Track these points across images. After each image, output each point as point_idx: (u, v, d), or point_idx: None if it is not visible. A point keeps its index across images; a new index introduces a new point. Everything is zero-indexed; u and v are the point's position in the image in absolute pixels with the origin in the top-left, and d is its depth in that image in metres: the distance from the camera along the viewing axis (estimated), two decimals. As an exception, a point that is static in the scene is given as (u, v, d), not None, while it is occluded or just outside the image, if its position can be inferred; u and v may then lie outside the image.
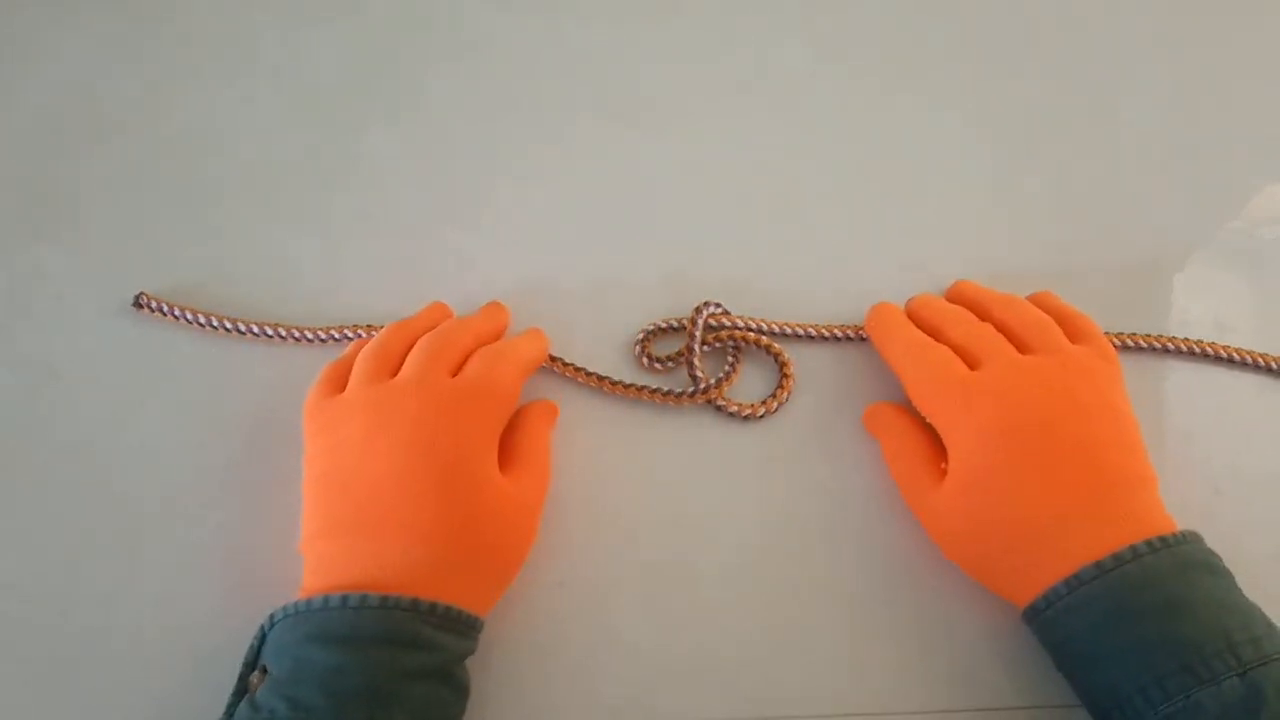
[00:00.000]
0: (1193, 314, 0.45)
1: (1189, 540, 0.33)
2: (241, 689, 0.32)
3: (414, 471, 0.34)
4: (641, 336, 0.43)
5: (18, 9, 0.53)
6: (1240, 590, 0.33)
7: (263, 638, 0.33)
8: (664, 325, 0.43)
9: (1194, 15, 0.55)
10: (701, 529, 0.40)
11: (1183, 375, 0.43)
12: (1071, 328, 0.39)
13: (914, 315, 0.41)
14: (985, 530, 0.35)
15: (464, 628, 0.34)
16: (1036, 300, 0.42)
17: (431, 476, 0.34)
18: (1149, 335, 0.43)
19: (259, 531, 0.39)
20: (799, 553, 0.39)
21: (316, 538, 0.35)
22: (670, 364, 0.43)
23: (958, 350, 0.38)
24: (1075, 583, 0.32)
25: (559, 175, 0.49)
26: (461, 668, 0.34)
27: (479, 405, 0.36)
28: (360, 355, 0.39)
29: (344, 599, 0.32)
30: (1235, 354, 0.43)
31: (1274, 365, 0.43)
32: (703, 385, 0.41)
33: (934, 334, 0.39)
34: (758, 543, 0.39)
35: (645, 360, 0.42)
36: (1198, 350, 0.43)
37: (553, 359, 0.42)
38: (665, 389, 0.41)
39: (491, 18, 0.53)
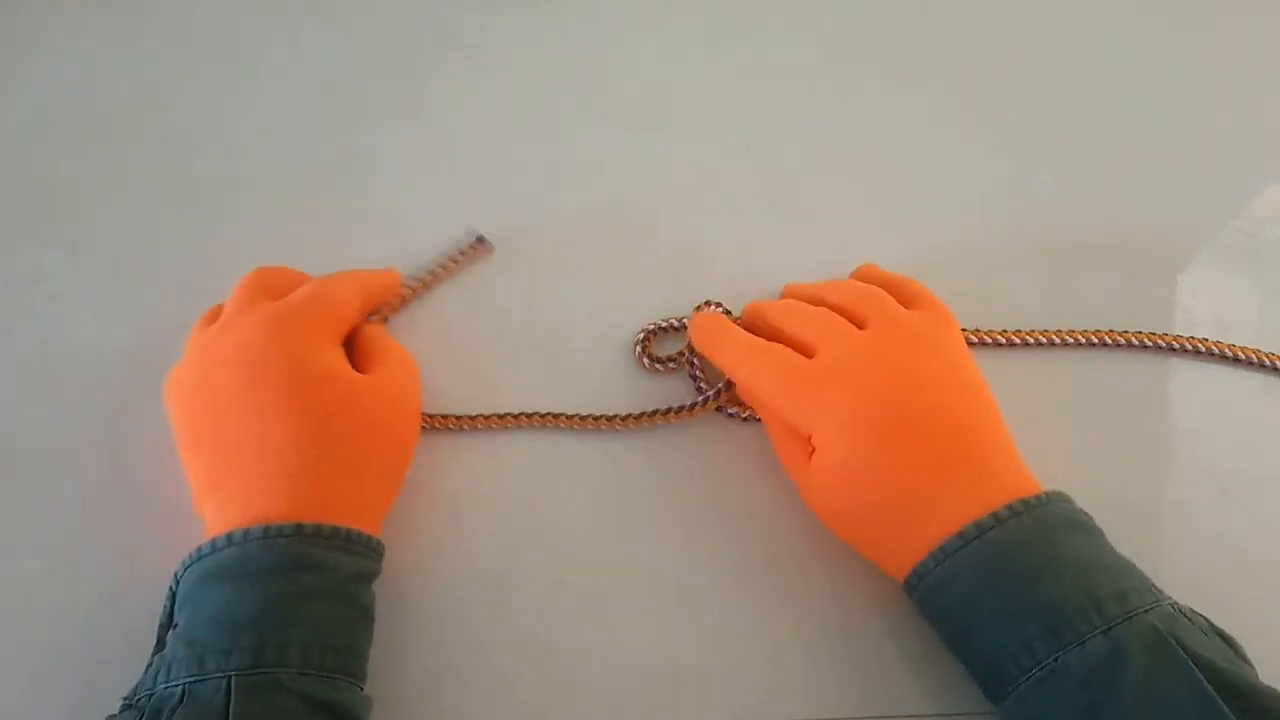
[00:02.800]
0: (1196, 313, 0.45)
1: (1053, 500, 0.33)
2: (159, 648, 0.32)
3: (254, 393, 0.34)
4: (642, 336, 0.43)
5: (18, 9, 0.53)
6: (1110, 546, 0.33)
7: (172, 595, 0.33)
8: (664, 325, 0.43)
9: (1196, 14, 0.55)
10: (703, 529, 0.40)
11: (1186, 374, 0.43)
12: (901, 295, 0.39)
13: (749, 326, 0.40)
14: (854, 510, 0.35)
15: (355, 546, 0.33)
16: (860, 274, 0.42)
17: (272, 390, 0.34)
18: (1152, 334, 0.43)
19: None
20: (802, 552, 0.39)
21: (200, 496, 0.35)
22: (671, 364, 0.42)
23: (794, 344, 0.37)
24: (941, 555, 0.32)
25: (559, 175, 0.49)
26: (362, 588, 0.34)
27: (308, 316, 0.36)
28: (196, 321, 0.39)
29: (229, 537, 0.32)
30: (1239, 353, 0.43)
31: (1278, 364, 0.43)
32: (709, 394, 0.41)
33: (771, 336, 0.39)
34: (760, 542, 0.39)
35: (646, 360, 0.42)
36: (1201, 349, 0.43)
37: (558, 416, 0.41)
38: (674, 407, 0.41)
39: (492, 18, 0.53)
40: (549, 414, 0.41)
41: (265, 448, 0.34)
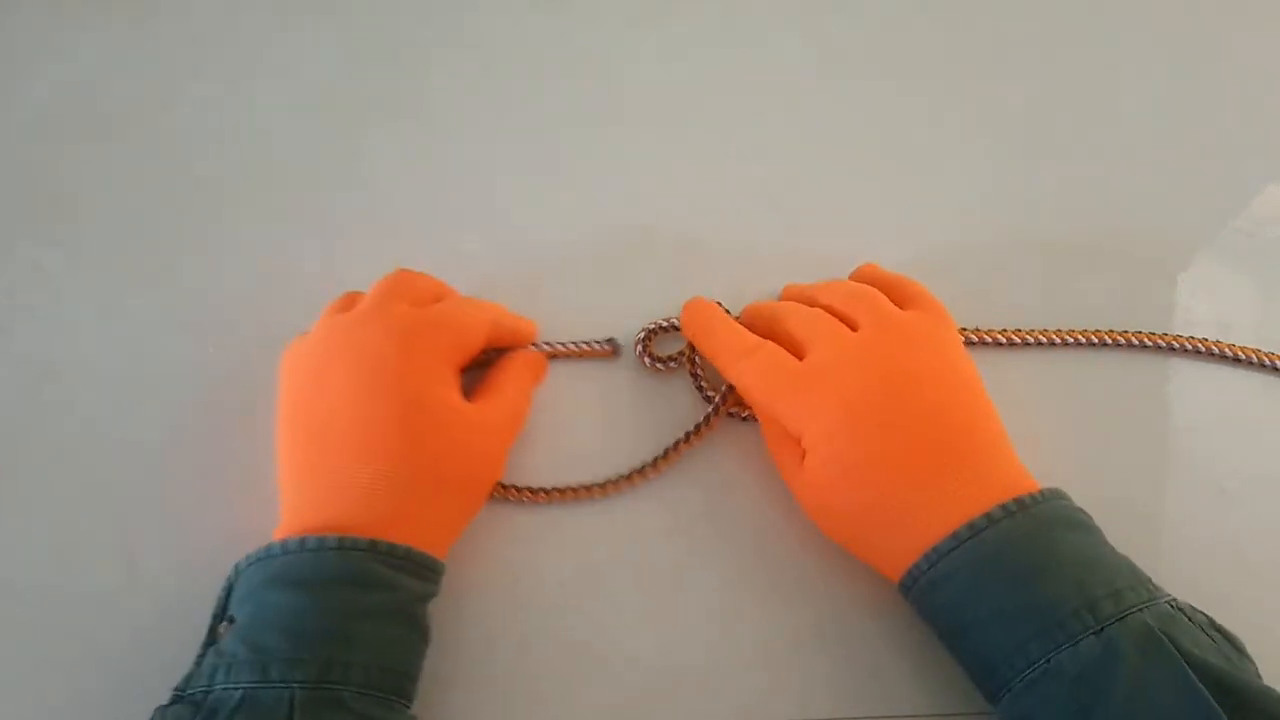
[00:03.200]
0: (1196, 313, 0.45)
1: (1049, 498, 0.33)
2: (211, 640, 0.32)
3: (366, 397, 0.34)
4: (643, 335, 0.43)
5: (18, 9, 0.53)
6: (1107, 544, 0.32)
7: (229, 588, 0.33)
8: (664, 324, 0.43)
9: (1196, 15, 0.55)
10: (702, 530, 0.40)
11: (1186, 374, 0.43)
12: (898, 294, 0.39)
13: (747, 327, 0.40)
14: (846, 511, 0.35)
15: (422, 569, 0.33)
16: (860, 274, 0.42)
17: (382, 401, 0.34)
18: (1153, 334, 0.43)
19: (259, 529, 0.39)
20: (801, 553, 0.39)
21: (284, 477, 0.35)
22: (672, 364, 0.42)
23: (788, 345, 0.37)
24: (935, 556, 0.32)
25: (559, 175, 0.49)
26: (422, 610, 0.34)
27: (436, 335, 0.36)
28: (326, 306, 0.39)
29: (301, 542, 0.32)
30: (1239, 352, 0.43)
31: (1278, 364, 0.43)
32: (716, 402, 0.40)
33: (768, 337, 0.38)
34: (759, 542, 0.39)
35: (647, 360, 0.42)
36: (1202, 349, 0.43)
37: (604, 485, 0.40)
38: (689, 432, 0.40)
39: (491, 18, 0.53)
40: (594, 485, 0.40)
41: (359, 457, 0.34)
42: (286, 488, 0.35)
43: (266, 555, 0.32)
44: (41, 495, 0.40)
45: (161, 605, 0.38)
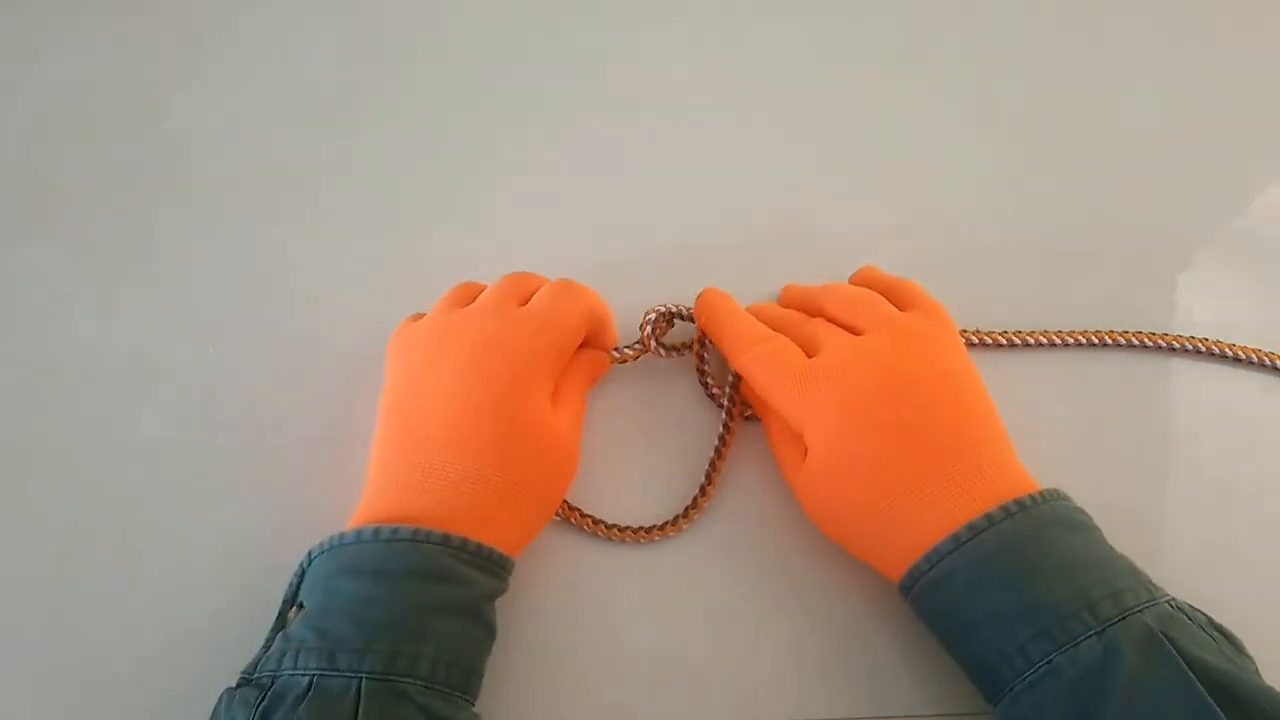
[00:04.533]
0: (1197, 313, 0.45)
1: (1049, 499, 0.32)
2: (280, 625, 0.32)
3: (468, 391, 0.35)
4: (653, 318, 0.41)
5: (18, 9, 0.53)
6: (1107, 544, 0.32)
7: (302, 574, 0.33)
8: (674, 310, 0.42)
9: (1197, 15, 0.55)
10: (702, 530, 0.39)
11: (1187, 374, 0.43)
12: (898, 297, 0.39)
13: None
14: (847, 511, 0.35)
15: (494, 566, 0.33)
16: (859, 278, 0.42)
17: (484, 397, 0.35)
18: (1153, 334, 0.43)
19: (258, 529, 0.39)
20: (801, 553, 0.39)
21: (378, 452, 0.36)
22: (676, 353, 0.42)
23: (796, 343, 0.37)
24: (935, 557, 0.32)
25: (559, 174, 0.49)
26: (490, 607, 0.34)
27: (539, 335, 0.36)
28: (445, 294, 0.40)
29: (375, 531, 0.32)
30: (1239, 352, 0.43)
31: (1278, 364, 0.43)
32: (727, 405, 0.40)
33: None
34: (759, 542, 0.39)
35: (654, 344, 0.42)
36: (1202, 349, 0.43)
37: (649, 530, 0.39)
38: (717, 449, 0.40)
39: (491, 17, 0.53)
40: (641, 529, 0.39)
41: (452, 451, 0.34)
42: (374, 471, 0.35)
43: (339, 544, 0.32)
44: (41, 495, 0.40)
45: (162, 605, 0.38)
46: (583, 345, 0.40)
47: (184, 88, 0.51)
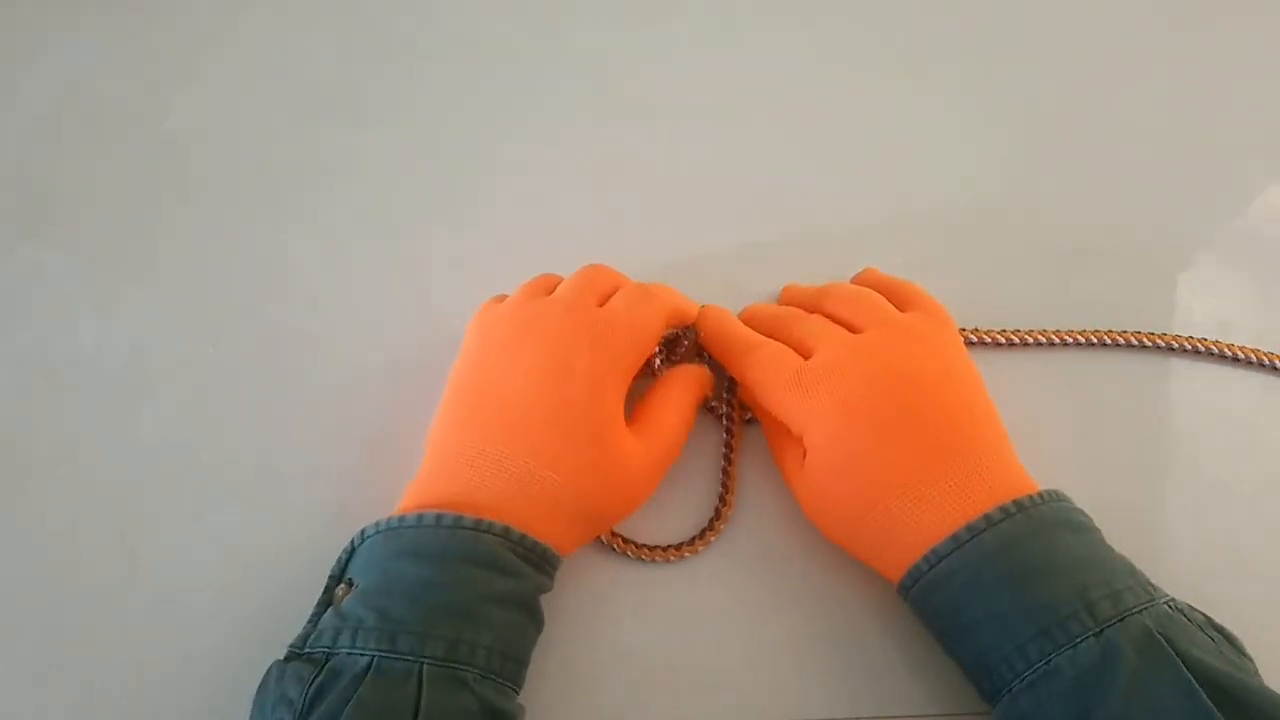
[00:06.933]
0: (1196, 313, 0.45)
1: (1048, 499, 0.33)
2: (326, 600, 0.32)
3: (547, 386, 0.34)
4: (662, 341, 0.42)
5: (18, 9, 0.53)
6: (1106, 544, 0.32)
7: (351, 552, 0.33)
8: (675, 332, 0.42)
9: (1197, 14, 0.55)
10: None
11: (1186, 374, 0.43)
12: (898, 297, 0.39)
13: (748, 325, 0.40)
14: (846, 512, 0.35)
15: (545, 563, 0.34)
16: (861, 279, 0.42)
17: (563, 395, 0.34)
18: (1152, 334, 0.43)
19: (258, 530, 0.39)
20: (801, 553, 0.39)
21: (443, 431, 0.35)
22: (673, 361, 0.42)
23: (792, 347, 0.37)
24: (934, 558, 0.32)
25: (558, 174, 0.49)
26: (539, 602, 0.34)
27: (618, 339, 0.36)
28: (528, 281, 0.39)
29: (438, 518, 0.32)
30: (1239, 353, 0.43)
31: (1278, 364, 0.43)
32: (726, 410, 0.40)
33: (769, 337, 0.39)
34: (759, 542, 0.39)
35: (656, 363, 0.42)
36: (1201, 349, 0.43)
37: (665, 549, 0.39)
38: (726, 455, 0.40)
39: (491, 17, 0.53)
40: (670, 546, 0.39)
41: (523, 447, 0.34)
42: (434, 449, 0.35)
43: (400, 525, 0.32)
44: (42, 495, 0.40)
45: (161, 605, 0.38)
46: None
47: (184, 88, 0.51)
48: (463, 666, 0.30)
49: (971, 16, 0.54)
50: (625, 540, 0.39)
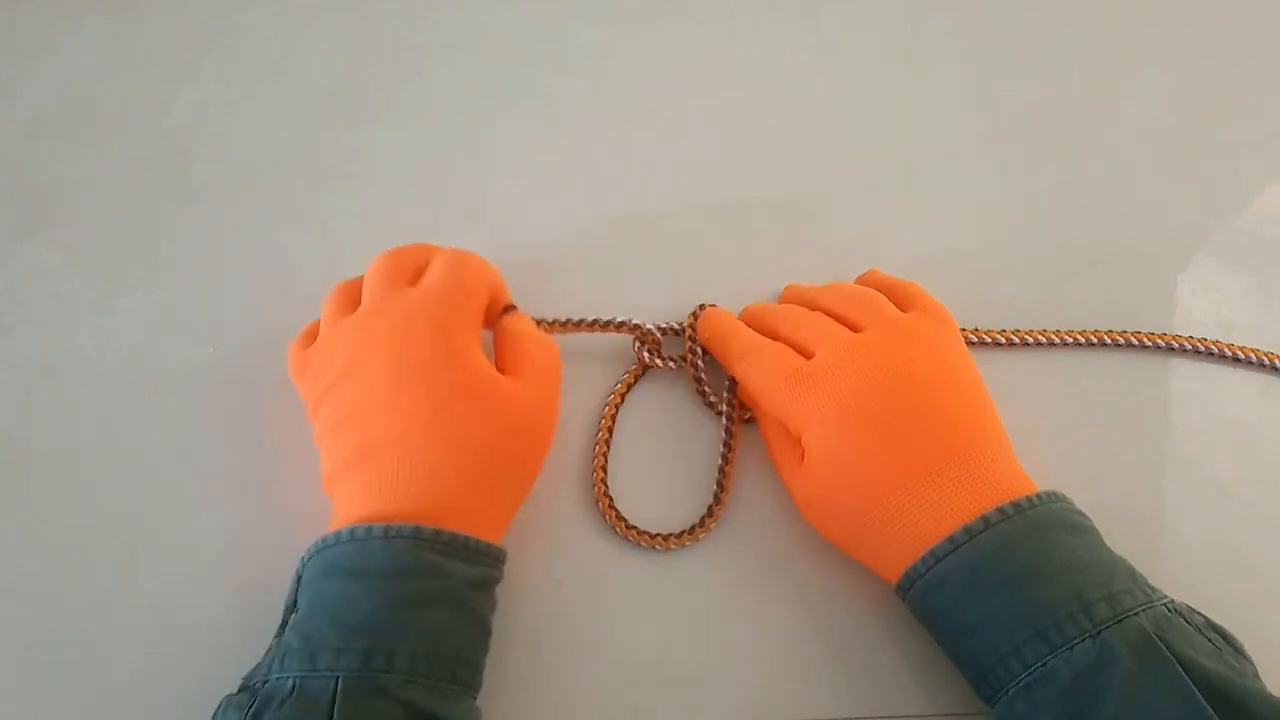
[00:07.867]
0: (1196, 313, 0.45)
1: (1046, 501, 0.32)
2: (281, 630, 0.32)
3: (400, 387, 0.34)
4: (640, 333, 0.42)
5: (18, 9, 0.53)
6: (1105, 546, 0.32)
7: (298, 579, 0.33)
8: (664, 327, 0.42)
9: (1196, 15, 0.55)
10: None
11: (1186, 374, 0.43)
12: (899, 297, 0.39)
13: (749, 325, 0.40)
14: (844, 512, 0.35)
15: (472, 554, 0.33)
16: (864, 280, 0.42)
17: (417, 387, 0.34)
18: (1152, 334, 0.43)
19: (258, 530, 0.39)
20: (801, 553, 0.39)
21: (332, 476, 0.35)
22: (672, 364, 0.42)
23: (793, 347, 0.37)
24: (931, 559, 0.32)
25: (558, 174, 0.49)
26: (481, 597, 0.33)
27: (447, 305, 0.36)
28: (324, 305, 0.39)
29: (351, 532, 0.32)
30: (1239, 352, 0.43)
31: (1278, 364, 0.43)
32: (727, 409, 0.40)
33: (769, 338, 0.39)
34: (758, 542, 0.39)
35: (647, 354, 0.42)
36: (1201, 349, 0.43)
37: (666, 537, 0.39)
38: (724, 454, 0.40)
39: (491, 16, 0.53)
40: (661, 535, 0.39)
41: (402, 444, 0.33)
42: (334, 484, 0.35)
43: (323, 546, 0.33)
44: (41, 495, 0.40)
45: (161, 605, 0.38)
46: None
47: (184, 88, 0.51)
48: (379, 674, 0.30)
49: (973, 17, 0.54)
50: (618, 516, 0.39)
